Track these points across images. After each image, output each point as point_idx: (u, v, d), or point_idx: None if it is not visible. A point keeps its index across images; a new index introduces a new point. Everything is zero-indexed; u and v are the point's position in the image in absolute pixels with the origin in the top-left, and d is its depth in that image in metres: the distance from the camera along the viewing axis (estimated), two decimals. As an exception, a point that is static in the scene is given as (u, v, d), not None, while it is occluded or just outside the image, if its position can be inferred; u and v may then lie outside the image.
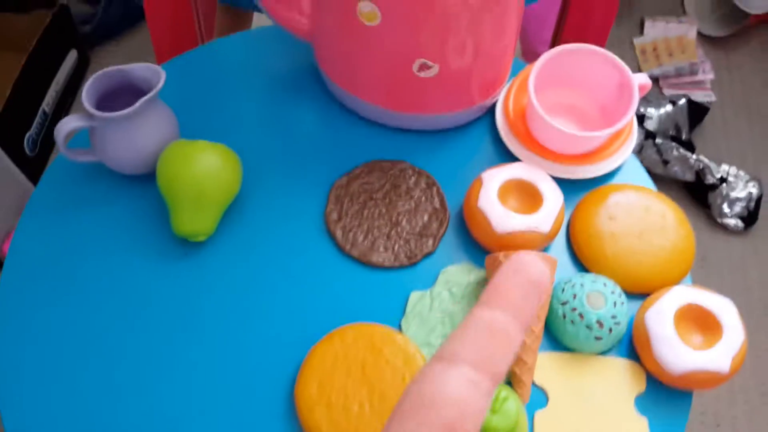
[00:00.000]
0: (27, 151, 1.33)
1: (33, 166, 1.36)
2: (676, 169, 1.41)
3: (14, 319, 0.57)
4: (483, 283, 0.59)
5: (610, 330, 0.55)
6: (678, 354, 0.54)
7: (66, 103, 1.48)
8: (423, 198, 0.65)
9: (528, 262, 0.23)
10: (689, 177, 1.41)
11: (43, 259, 0.60)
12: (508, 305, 0.22)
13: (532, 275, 0.23)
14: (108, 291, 0.59)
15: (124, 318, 0.58)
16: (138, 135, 0.58)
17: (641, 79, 0.65)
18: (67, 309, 0.58)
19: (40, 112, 1.36)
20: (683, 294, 0.56)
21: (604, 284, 0.57)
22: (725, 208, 1.40)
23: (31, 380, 0.55)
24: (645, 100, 1.47)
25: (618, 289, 0.57)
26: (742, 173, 1.42)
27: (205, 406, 0.54)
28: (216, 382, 0.55)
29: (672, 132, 1.46)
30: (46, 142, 1.41)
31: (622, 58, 1.68)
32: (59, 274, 0.59)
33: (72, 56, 1.46)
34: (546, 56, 0.65)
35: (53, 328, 0.57)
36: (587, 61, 0.67)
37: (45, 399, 0.54)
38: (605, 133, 0.62)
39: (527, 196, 0.62)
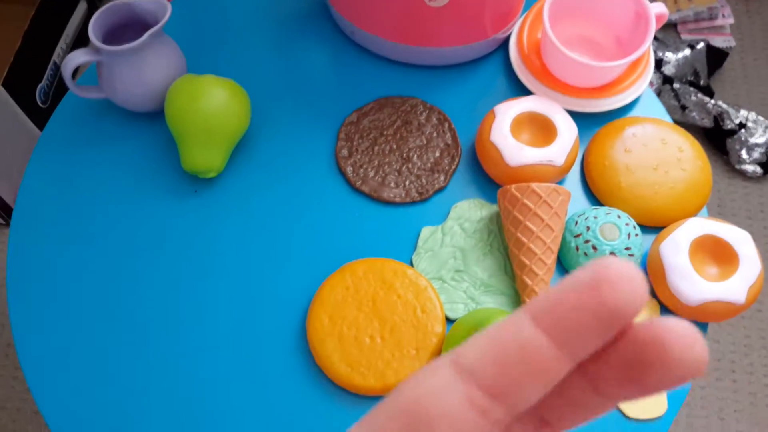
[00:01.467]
0: (39, 102, 1.33)
1: (45, 117, 1.35)
2: (694, 115, 1.38)
3: (27, 259, 0.58)
4: (495, 218, 0.59)
5: (624, 261, 0.54)
6: (693, 285, 0.53)
7: (76, 55, 1.47)
8: (434, 134, 0.64)
9: (613, 275, 0.15)
10: (707, 122, 1.38)
11: (54, 198, 0.60)
12: (556, 334, 0.15)
13: (609, 301, 0.15)
14: (119, 229, 0.59)
15: (136, 254, 0.58)
16: (145, 69, 0.57)
17: (658, 9, 0.64)
18: (79, 247, 0.58)
19: (51, 63, 1.35)
20: (699, 225, 0.55)
21: (618, 216, 0.56)
22: (744, 154, 1.38)
23: (45, 320, 0.55)
24: (663, 45, 1.44)
25: (632, 221, 0.56)
26: (761, 119, 1.39)
27: (219, 340, 0.55)
28: (229, 316, 0.56)
29: (690, 77, 1.42)
30: (58, 93, 1.40)
31: None
32: (70, 214, 0.59)
33: (82, 6, 1.44)
34: (560, -14, 0.63)
35: (65, 266, 0.57)
36: (603, -9, 0.65)
37: (60, 339, 0.55)
38: (621, 62, 0.61)
39: (541, 130, 0.61)
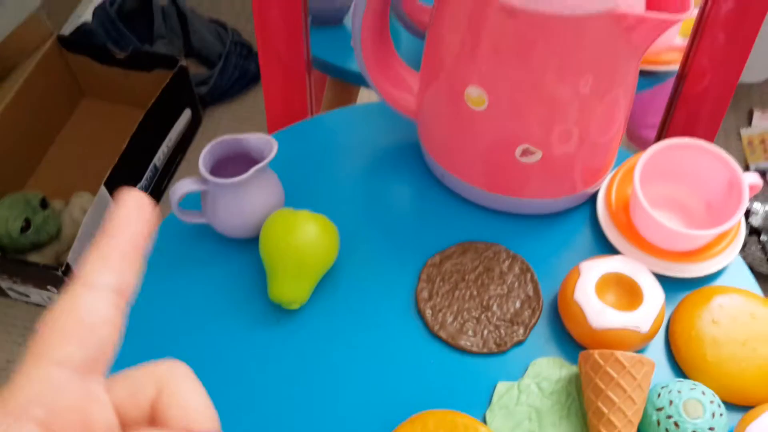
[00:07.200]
0: (135, 201, 1.40)
1: (139, 216, 1.43)
2: (782, 269, 1.34)
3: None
4: (574, 380, 0.58)
5: (709, 443, 0.52)
6: (784, 478, 0.50)
7: (176, 159, 1.56)
8: (516, 283, 0.64)
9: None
10: (797, 278, 1.33)
11: (145, 311, 0.63)
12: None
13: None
14: (202, 349, 0.61)
15: (216, 377, 0.59)
16: (247, 201, 0.60)
17: (752, 179, 0.63)
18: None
19: (151, 165, 1.44)
20: (792, 412, 0.52)
21: (703, 393, 0.54)
22: (836, 314, 1.31)
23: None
24: (751, 194, 1.42)
25: (717, 399, 0.54)
26: None
27: (284, 476, 0.54)
28: (296, 452, 0.56)
29: (779, 229, 1.39)
30: (154, 195, 1.48)
31: (728, 149, 1.63)
32: (158, 328, 0.62)
33: (186, 115, 1.54)
34: (653, 149, 0.64)
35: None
36: (696, 156, 0.65)
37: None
38: (712, 232, 0.60)
39: (626, 292, 0.60)
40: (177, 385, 0.23)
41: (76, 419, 0.20)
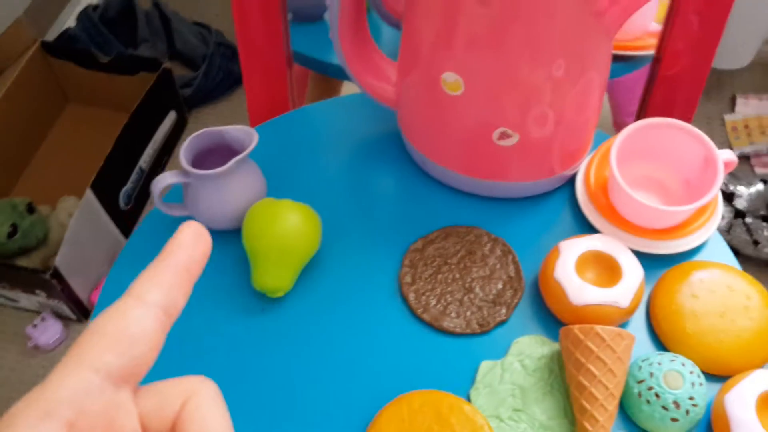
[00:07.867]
0: (121, 204, 1.41)
1: (125, 219, 1.43)
2: (767, 250, 1.35)
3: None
4: (556, 357, 0.58)
5: (687, 412, 0.53)
6: (763, 444, 0.51)
7: (162, 161, 1.56)
8: (498, 265, 0.65)
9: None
10: (782, 259, 1.35)
11: (131, 305, 0.63)
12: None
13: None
14: (187, 338, 0.61)
15: (201, 366, 0.60)
16: (228, 192, 0.61)
17: (726, 155, 0.64)
18: (149, 355, 0.60)
19: (137, 168, 1.44)
20: (766, 378, 0.53)
21: (683, 364, 0.55)
22: (821, 293, 1.33)
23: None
24: (735, 178, 1.43)
25: (697, 370, 0.55)
26: (840, 258, 1.34)
27: (272, 461, 0.55)
28: (284, 437, 0.56)
29: (763, 211, 1.40)
30: (140, 197, 1.48)
31: (712, 134, 1.64)
32: (144, 321, 0.62)
33: (171, 117, 1.55)
34: (629, 129, 0.65)
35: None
36: (671, 136, 0.66)
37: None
38: (689, 208, 0.61)
39: (605, 269, 0.61)
40: (200, 403, 0.23)
41: (102, 426, 0.21)
